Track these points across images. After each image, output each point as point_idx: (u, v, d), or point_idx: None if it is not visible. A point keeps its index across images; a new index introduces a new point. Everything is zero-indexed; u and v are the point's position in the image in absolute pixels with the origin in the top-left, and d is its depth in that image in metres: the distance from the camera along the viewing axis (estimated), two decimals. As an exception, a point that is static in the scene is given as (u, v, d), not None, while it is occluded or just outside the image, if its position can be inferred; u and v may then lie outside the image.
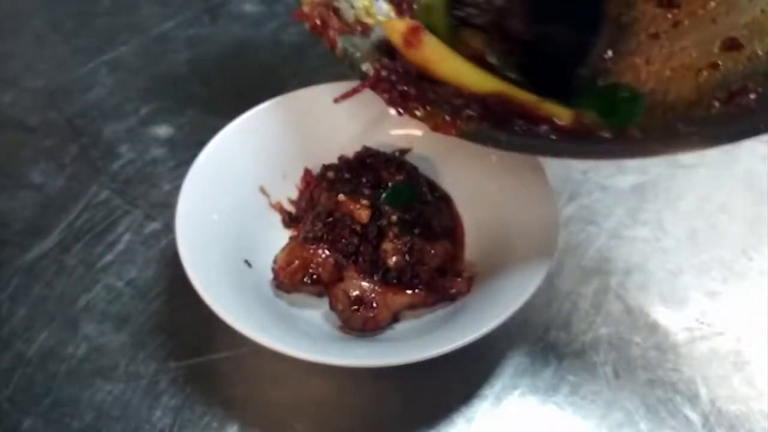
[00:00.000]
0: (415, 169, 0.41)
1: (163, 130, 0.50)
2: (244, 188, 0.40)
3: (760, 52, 0.32)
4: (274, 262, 0.39)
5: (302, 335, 0.35)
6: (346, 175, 0.41)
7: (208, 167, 0.39)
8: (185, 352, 0.38)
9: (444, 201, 0.42)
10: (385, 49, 0.40)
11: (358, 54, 0.39)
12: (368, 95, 0.40)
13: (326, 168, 0.42)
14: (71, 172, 0.48)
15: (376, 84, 0.38)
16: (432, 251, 0.38)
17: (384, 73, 0.38)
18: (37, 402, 0.36)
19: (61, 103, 0.52)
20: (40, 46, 0.58)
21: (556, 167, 0.42)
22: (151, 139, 0.50)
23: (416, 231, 0.38)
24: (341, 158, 0.42)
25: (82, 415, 0.36)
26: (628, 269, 0.42)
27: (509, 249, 0.38)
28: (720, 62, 0.33)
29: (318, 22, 0.40)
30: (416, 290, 0.38)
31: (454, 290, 0.38)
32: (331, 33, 0.40)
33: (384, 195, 0.39)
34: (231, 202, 0.40)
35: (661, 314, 0.40)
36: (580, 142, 0.34)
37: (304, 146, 0.42)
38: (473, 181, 0.41)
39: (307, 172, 0.42)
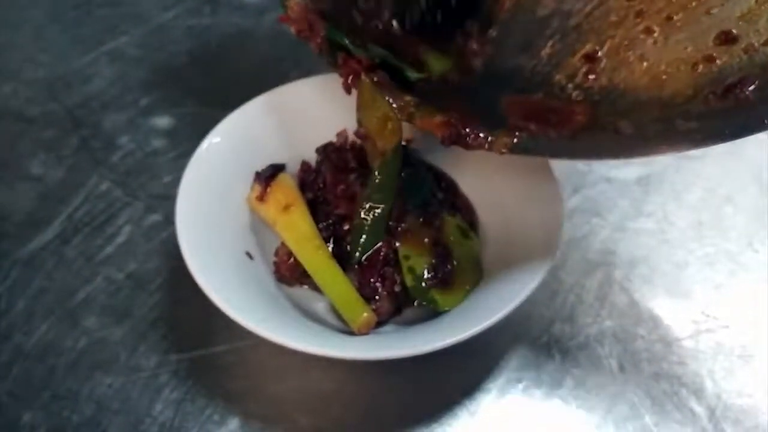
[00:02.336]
0: (420, 161, 0.41)
1: (163, 121, 0.50)
2: (245, 179, 0.40)
3: (756, 44, 0.31)
4: (275, 254, 0.39)
5: (303, 328, 0.35)
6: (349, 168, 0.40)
7: (208, 158, 0.39)
8: (186, 345, 0.38)
9: (452, 191, 0.41)
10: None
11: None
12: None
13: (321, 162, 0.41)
14: (71, 163, 0.47)
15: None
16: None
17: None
18: (37, 395, 0.36)
19: (61, 94, 0.52)
20: (40, 36, 0.57)
21: (560, 159, 0.41)
22: (152, 131, 0.49)
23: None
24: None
25: (82, 408, 0.35)
26: (633, 262, 0.42)
27: (513, 240, 0.38)
28: (716, 55, 0.32)
29: (305, 26, 0.38)
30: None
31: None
32: (320, 38, 0.38)
33: None
34: (232, 194, 0.39)
35: (666, 307, 0.40)
36: (578, 142, 0.33)
37: (305, 137, 0.42)
38: (476, 171, 0.41)
39: (305, 163, 0.42)
